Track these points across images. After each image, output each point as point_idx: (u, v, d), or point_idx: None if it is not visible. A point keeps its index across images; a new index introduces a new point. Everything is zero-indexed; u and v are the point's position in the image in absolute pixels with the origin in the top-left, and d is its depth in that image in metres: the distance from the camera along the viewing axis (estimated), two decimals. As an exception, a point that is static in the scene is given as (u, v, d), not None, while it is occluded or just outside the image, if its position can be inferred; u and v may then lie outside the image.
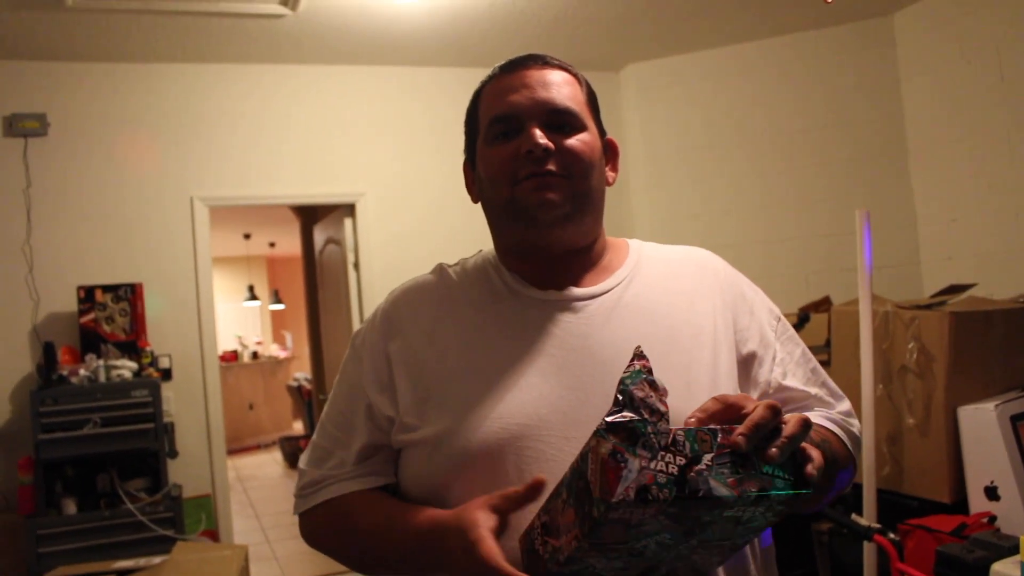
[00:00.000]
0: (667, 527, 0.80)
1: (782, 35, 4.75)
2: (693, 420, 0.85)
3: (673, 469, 0.77)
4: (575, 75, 1.17)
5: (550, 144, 1.09)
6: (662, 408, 0.81)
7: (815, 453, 0.85)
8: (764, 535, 1.13)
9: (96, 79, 4.34)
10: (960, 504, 2.86)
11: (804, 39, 4.74)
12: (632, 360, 0.84)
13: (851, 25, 4.65)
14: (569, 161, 1.10)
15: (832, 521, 2.88)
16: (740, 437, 0.80)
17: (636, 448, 0.77)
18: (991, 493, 2.76)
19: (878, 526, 2.63)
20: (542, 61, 1.15)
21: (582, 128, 1.13)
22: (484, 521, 0.94)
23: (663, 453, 0.78)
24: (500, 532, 0.94)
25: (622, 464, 0.76)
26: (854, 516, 2.74)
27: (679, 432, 0.79)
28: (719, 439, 0.80)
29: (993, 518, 2.72)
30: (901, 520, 2.81)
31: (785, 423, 0.84)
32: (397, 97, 4.86)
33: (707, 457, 0.79)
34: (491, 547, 0.91)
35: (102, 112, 4.35)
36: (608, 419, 0.79)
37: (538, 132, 1.09)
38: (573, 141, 1.11)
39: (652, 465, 0.77)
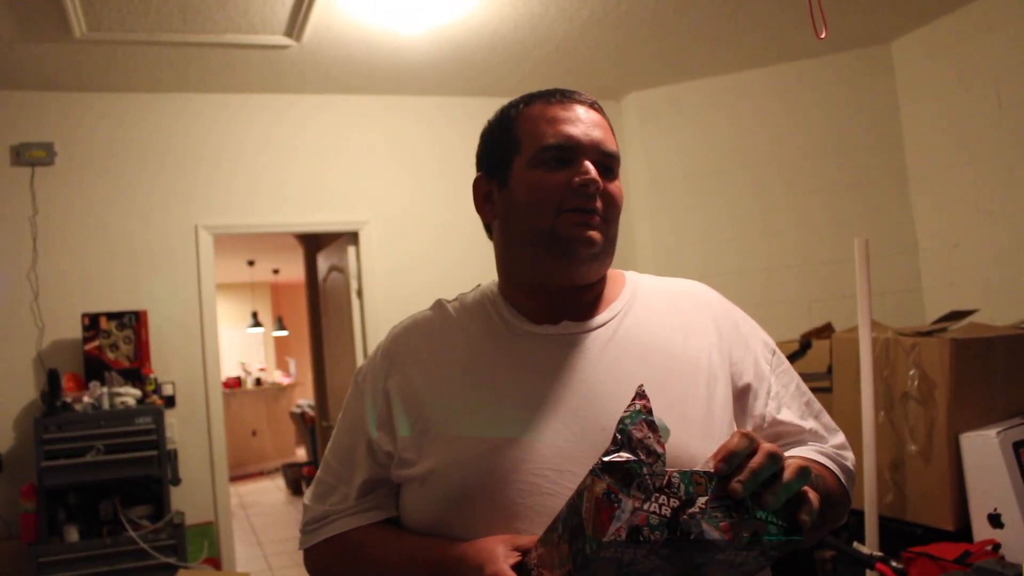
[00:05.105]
0: (660, 567, 0.81)
1: (783, 63, 4.79)
2: (723, 464, 0.83)
3: (666, 511, 0.78)
4: (608, 121, 1.19)
5: (601, 183, 1.11)
6: (659, 450, 0.81)
7: (812, 497, 0.85)
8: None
9: (103, 109, 4.39)
10: (964, 531, 2.85)
11: (805, 67, 4.78)
12: (633, 399, 0.85)
13: (851, 52, 4.69)
14: (608, 205, 1.12)
15: (835, 549, 2.87)
16: (738, 484, 0.81)
17: (631, 489, 0.78)
18: (995, 520, 2.75)
19: (880, 554, 2.63)
20: (590, 101, 1.17)
21: (618, 175, 1.16)
22: (504, 556, 0.95)
23: (657, 495, 0.78)
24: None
25: (615, 504, 0.77)
26: (856, 544, 2.73)
27: (675, 474, 0.80)
28: (714, 483, 0.81)
29: (997, 546, 2.70)
30: (904, 548, 2.80)
31: (784, 468, 0.84)
32: (401, 126, 4.90)
33: (701, 500, 0.80)
34: None
35: (108, 141, 4.39)
36: (605, 459, 0.80)
37: (593, 168, 1.10)
38: (613, 187, 1.14)
39: (646, 506, 0.78)
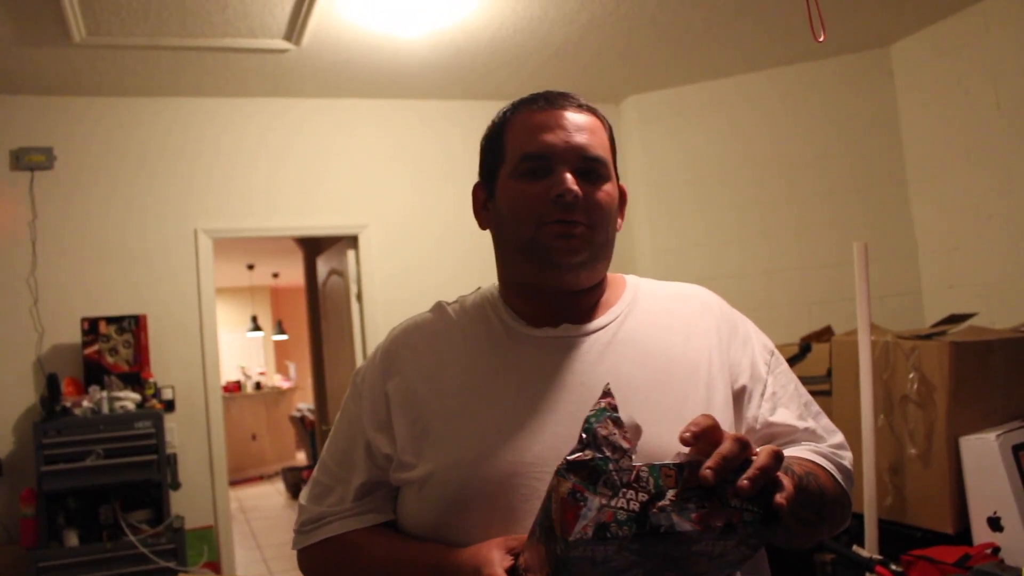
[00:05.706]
0: (636, 563, 0.81)
1: (783, 65, 4.79)
2: (688, 435, 0.84)
3: (634, 506, 0.77)
4: (602, 120, 1.17)
5: (580, 192, 1.09)
6: (625, 445, 0.81)
7: (786, 482, 0.85)
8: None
9: (102, 113, 4.39)
10: (964, 534, 2.84)
11: (804, 70, 4.78)
12: (599, 398, 0.85)
13: (850, 56, 4.69)
14: (593, 212, 1.11)
15: (834, 552, 2.87)
16: (708, 471, 0.80)
17: (597, 486, 0.78)
18: (994, 524, 2.75)
19: (880, 557, 2.63)
20: (577, 103, 1.15)
21: (607, 177, 1.14)
22: (499, 560, 0.95)
23: (625, 490, 0.78)
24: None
25: (581, 503, 0.77)
26: (855, 547, 2.73)
27: (643, 469, 0.80)
28: (685, 474, 0.80)
29: (997, 549, 2.70)
30: (904, 551, 2.80)
31: (756, 455, 0.83)
32: (400, 130, 4.90)
33: (671, 493, 0.79)
34: None
35: (108, 146, 4.39)
36: (569, 458, 0.80)
37: (570, 178, 1.09)
38: (600, 193, 1.12)
39: (612, 503, 0.77)
